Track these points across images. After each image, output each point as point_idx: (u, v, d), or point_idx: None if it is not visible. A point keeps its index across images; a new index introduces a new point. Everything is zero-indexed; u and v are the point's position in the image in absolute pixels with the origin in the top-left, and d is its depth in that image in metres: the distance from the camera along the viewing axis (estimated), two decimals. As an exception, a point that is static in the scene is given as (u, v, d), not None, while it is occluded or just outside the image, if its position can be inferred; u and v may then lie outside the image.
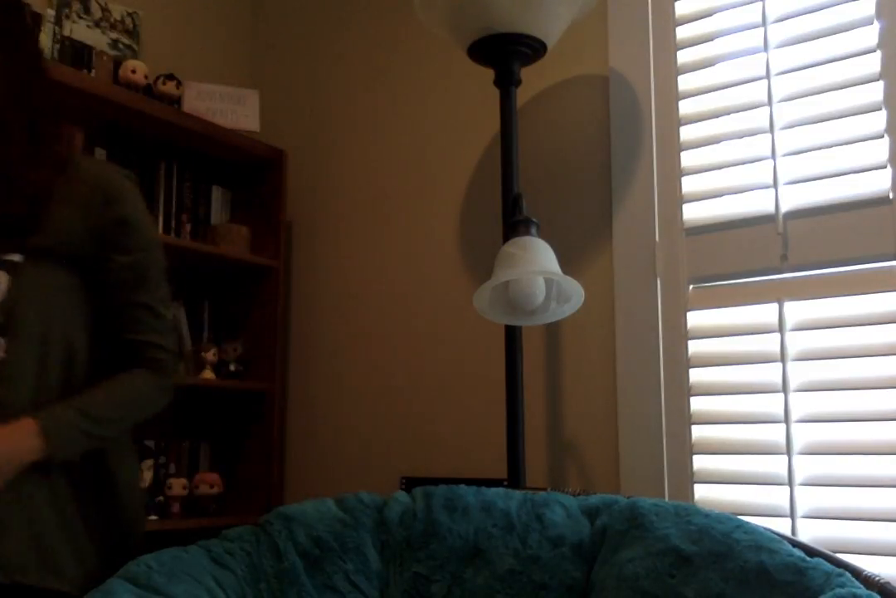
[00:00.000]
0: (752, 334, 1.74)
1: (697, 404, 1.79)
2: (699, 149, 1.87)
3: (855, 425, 1.60)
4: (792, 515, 1.63)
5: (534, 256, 1.56)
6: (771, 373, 1.70)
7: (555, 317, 1.64)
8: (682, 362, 1.82)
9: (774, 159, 1.76)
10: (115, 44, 2.37)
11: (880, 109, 1.66)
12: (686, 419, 1.79)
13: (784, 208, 1.74)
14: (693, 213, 1.85)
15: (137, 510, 1.50)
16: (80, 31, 2.28)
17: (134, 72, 2.24)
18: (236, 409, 2.45)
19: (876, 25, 1.68)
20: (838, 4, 1.73)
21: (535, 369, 2.03)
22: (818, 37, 1.74)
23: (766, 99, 1.78)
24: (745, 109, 1.81)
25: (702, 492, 1.76)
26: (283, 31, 2.74)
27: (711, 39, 1.88)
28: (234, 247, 2.38)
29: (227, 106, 2.42)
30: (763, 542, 1.21)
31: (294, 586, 1.37)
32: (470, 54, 1.84)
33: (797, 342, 1.69)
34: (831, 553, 1.22)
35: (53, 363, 1.36)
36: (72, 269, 1.39)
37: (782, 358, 1.69)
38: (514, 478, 1.72)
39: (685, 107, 1.90)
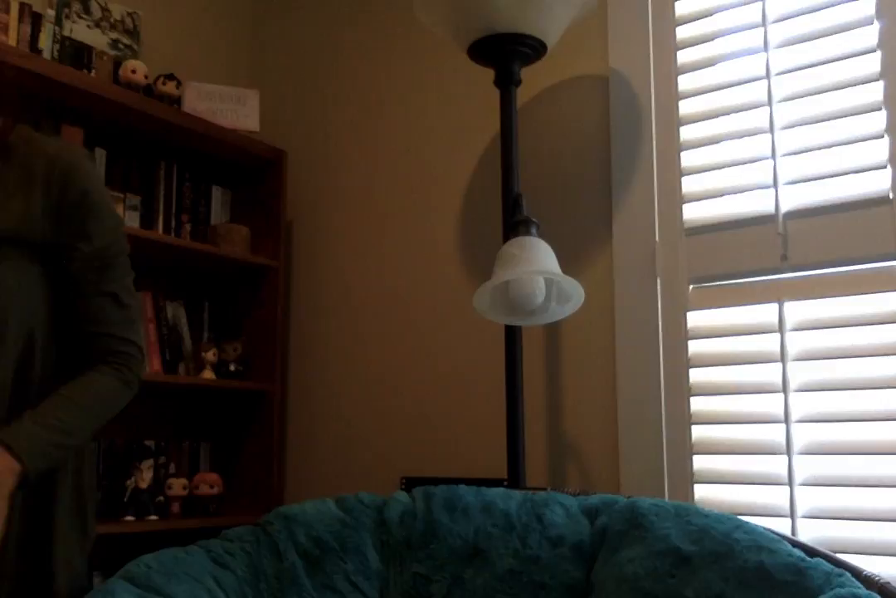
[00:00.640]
0: (752, 334, 1.74)
1: (697, 404, 1.79)
2: (699, 149, 1.87)
3: (855, 425, 1.60)
4: (792, 515, 1.63)
5: (534, 256, 1.56)
6: (771, 373, 1.70)
7: (555, 317, 1.64)
8: (682, 362, 1.82)
9: (774, 159, 1.76)
10: (115, 44, 2.37)
11: (880, 109, 1.65)
12: (686, 419, 1.79)
13: (784, 208, 1.74)
14: (693, 213, 1.85)
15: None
16: (80, 31, 2.28)
17: (134, 72, 2.24)
18: (236, 409, 2.45)
19: (876, 25, 1.68)
20: (838, 4, 1.73)
21: (535, 369, 2.03)
22: (818, 37, 1.74)
23: (766, 99, 1.78)
24: (745, 109, 1.81)
25: (702, 492, 1.76)
26: (283, 31, 2.74)
27: (711, 39, 1.88)
28: (234, 247, 2.38)
29: (227, 106, 2.42)
30: (763, 542, 1.21)
31: (294, 586, 1.37)
32: (470, 54, 1.84)
33: (797, 342, 1.69)
34: (831, 553, 1.22)
35: (9, 359, 1.28)
36: (33, 256, 1.30)
37: (782, 358, 1.69)
38: (514, 478, 1.72)
39: (685, 107, 1.90)
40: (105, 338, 1.36)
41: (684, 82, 1.90)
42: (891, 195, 1.63)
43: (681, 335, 1.83)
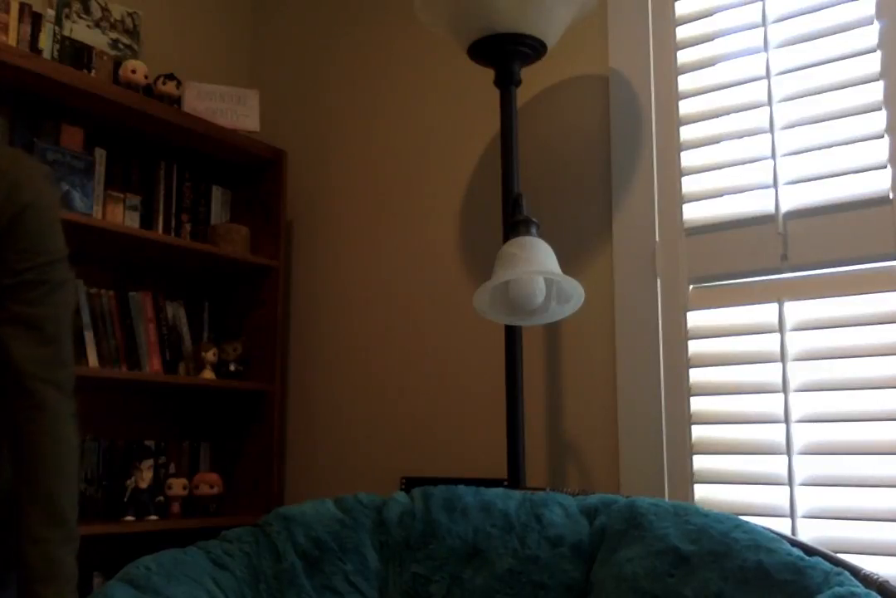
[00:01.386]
0: (752, 334, 1.73)
1: (697, 404, 1.79)
2: (699, 149, 1.86)
3: (855, 425, 1.60)
4: (792, 515, 1.63)
5: (534, 256, 1.56)
6: (771, 373, 1.70)
7: (555, 317, 1.64)
8: (682, 362, 1.82)
9: (774, 159, 1.75)
10: (115, 44, 2.37)
11: (880, 109, 1.65)
12: (686, 419, 1.79)
13: (784, 208, 1.74)
14: (693, 213, 1.85)
15: None
16: (80, 31, 2.28)
17: (134, 72, 2.24)
18: (236, 409, 2.45)
19: (876, 25, 1.68)
20: (838, 4, 1.73)
21: (535, 369, 2.03)
22: (818, 37, 1.74)
23: (766, 99, 1.78)
24: (745, 109, 1.81)
25: (702, 492, 1.76)
26: (283, 31, 2.74)
27: (711, 39, 1.88)
28: (234, 247, 2.38)
29: (227, 106, 2.42)
30: (762, 541, 1.21)
31: (293, 586, 1.36)
32: (470, 54, 1.84)
33: (797, 342, 1.68)
34: (830, 552, 1.22)
35: None
36: None
37: (782, 358, 1.69)
38: (514, 478, 1.72)
39: (685, 107, 1.90)
40: (22, 369, 1.26)
41: (684, 82, 1.90)
42: (891, 195, 1.63)
43: (681, 335, 1.83)
